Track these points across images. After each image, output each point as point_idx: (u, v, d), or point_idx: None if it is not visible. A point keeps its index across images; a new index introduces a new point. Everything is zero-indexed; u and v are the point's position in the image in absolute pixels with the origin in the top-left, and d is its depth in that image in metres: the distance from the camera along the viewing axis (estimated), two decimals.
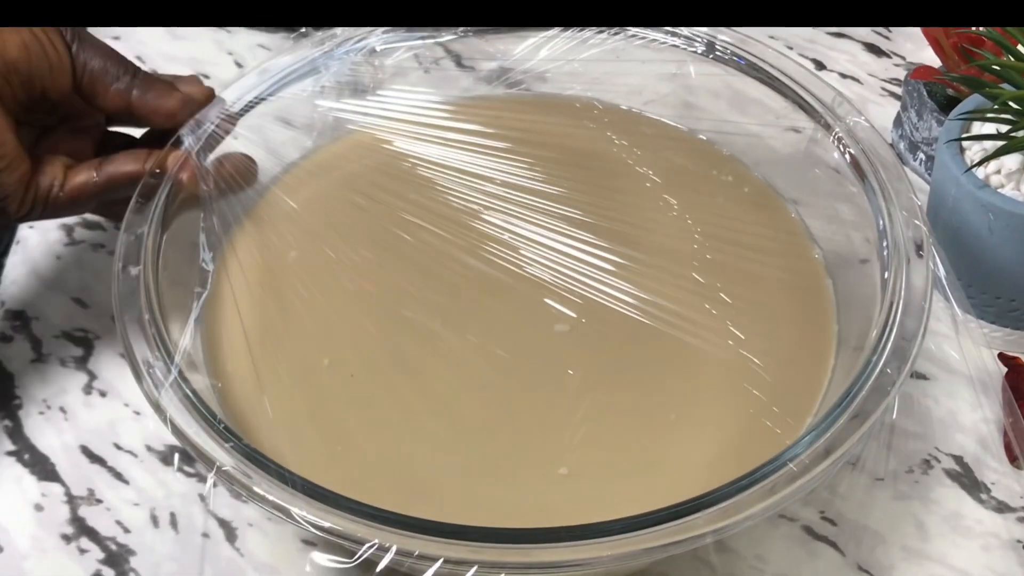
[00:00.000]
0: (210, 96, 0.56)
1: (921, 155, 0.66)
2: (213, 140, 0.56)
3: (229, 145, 0.57)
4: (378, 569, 0.41)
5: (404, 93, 0.62)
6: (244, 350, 0.52)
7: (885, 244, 0.51)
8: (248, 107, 0.58)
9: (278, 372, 0.51)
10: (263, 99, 0.58)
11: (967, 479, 0.54)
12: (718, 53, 0.61)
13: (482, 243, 0.56)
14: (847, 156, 0.55)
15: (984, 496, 0.54)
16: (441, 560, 0.41)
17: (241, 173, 0.56)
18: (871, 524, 0.53)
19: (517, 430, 0.50)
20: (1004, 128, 0.53)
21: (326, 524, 0.42)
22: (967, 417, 0.56)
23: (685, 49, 0.61)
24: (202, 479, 0.54)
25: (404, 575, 0.44)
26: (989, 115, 0.54)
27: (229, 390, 0.51)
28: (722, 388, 0.50)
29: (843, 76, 0.73)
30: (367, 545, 0.41)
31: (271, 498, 0.42)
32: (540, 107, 0.64)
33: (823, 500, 0.53)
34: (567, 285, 0.53)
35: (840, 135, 0.55)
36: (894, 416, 0.45)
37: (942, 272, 0.49)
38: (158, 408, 0.45)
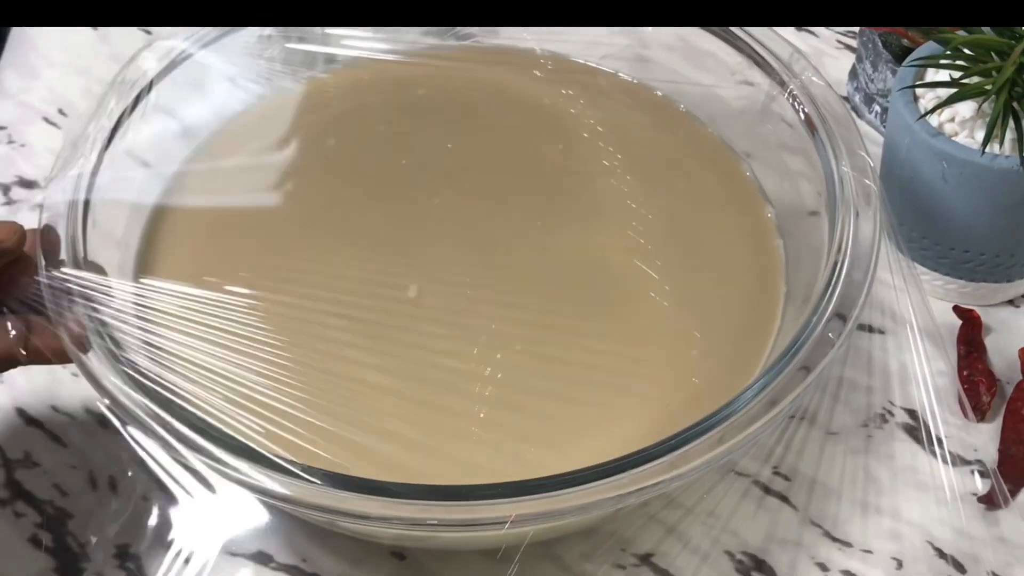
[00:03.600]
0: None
1: (876, 107, 0.65)
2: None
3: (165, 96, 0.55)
4: None
5: (351, 43, 0.60)
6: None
7: (834, 196, 0.50)
8: (185, 56, 0.56)
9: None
10: (205, 47, 0.57)
11: (921, 433, 0.53)
12: None
13: (423, 194, 0.55)
14: (801, 113, 0.54)
15: (938, 449, 0.53)
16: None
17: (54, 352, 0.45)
18: (824, 479, 0.52)
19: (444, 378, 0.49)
20: (957, 75, 0.52)
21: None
22: (921, 371, 0.55)
23: None
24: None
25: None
26: (942, 62, 0.53)
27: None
28: (664, 348, 0.50)
29: (798, 29, 0.72)
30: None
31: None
32: (491, 59, 0.62)
33: (776, 455, 0.52)
34: (506, 238, 0.52)
35: (795, 92, 0.54)
36: (844, 368, 0.44)
37: (892, 223, 0.48)
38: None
